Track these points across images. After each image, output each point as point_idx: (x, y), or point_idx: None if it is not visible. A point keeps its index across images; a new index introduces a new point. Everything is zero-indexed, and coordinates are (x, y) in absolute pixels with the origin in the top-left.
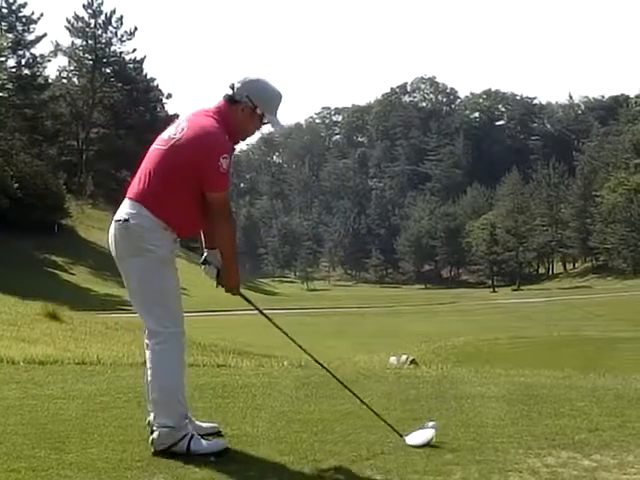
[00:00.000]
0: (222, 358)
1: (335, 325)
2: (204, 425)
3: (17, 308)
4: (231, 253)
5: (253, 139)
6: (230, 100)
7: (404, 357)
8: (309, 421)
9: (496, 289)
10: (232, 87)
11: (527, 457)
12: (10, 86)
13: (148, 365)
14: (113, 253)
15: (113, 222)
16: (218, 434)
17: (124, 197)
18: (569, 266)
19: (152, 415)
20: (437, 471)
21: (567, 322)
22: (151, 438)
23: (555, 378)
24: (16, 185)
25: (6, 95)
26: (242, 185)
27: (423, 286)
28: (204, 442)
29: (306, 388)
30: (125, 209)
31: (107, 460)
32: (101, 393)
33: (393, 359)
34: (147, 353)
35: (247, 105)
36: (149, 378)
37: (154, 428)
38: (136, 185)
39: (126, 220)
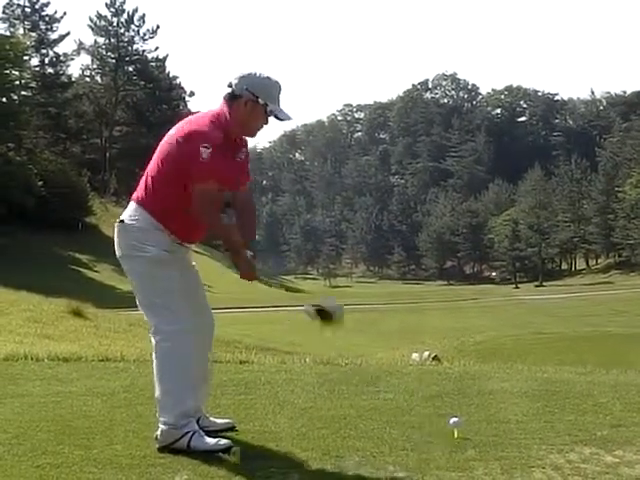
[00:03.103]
0: (245, 355)
1: (357, 322)
2: (218, 421)
3: (41, 305)
4: (232, 245)
5: (275, 136)
6: (231, 97)
7: (426, 353)
8: (331, 417)
9: (519, 285)
10: (230, 85)
11: (550, 453)
12: (34, 85)
13: (153, 362)
14: (116, 253)
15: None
16: (232, 429)
17: None
18: (592, 262)
19: None
20: (459, 467)
21: (590, 318)
22: (155, 434)
23: (577, 374)
24: (40, 183)
25: (30, 94)
26: (264, 182)
27: (445, 282)
28: (206, 439)
29: (328, 385)
30: (126, 210)
31: (131, 456)
32: (125, 390)
33: (415, 355)
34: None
35: (249, 98)
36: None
37: (158, 425)
38: (137, 187)
39: (121, 221)
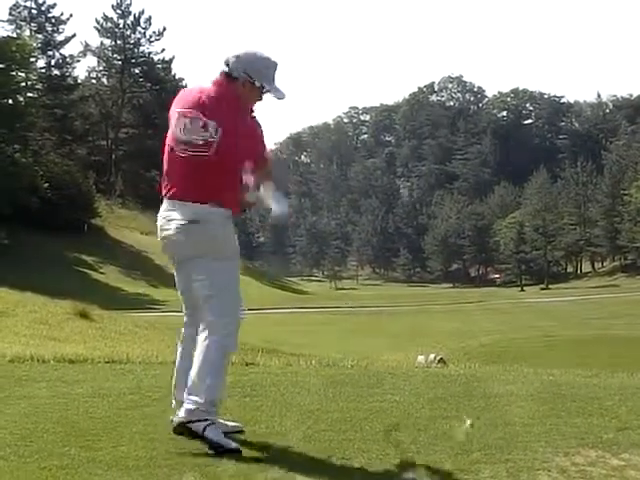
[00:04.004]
0: (251, 357)
1: (363, 324)
2: (229, 424)
3: (47, 307)
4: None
5: (281, 138)
6: (228, 77)
7: (432, 356)
8: (337, 419)
9: (524, 288)
10: (227, 63)
11: (555, 456)
12: (40, 86)
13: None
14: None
15: None
16: (240, 432)
17: (154, 196)
18: (597, 265)
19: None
20: (465, 470)
21: (595, 321)
22: (173, 417)
23: (583, 377)
24: (46, 185)
25: (36, 95)
26: None
27: (451, 285)
28: (221, 434)
29: (334, 386)
30: (200, 209)
31: (137, 458)
32: (131, 391)
33: (421, 358)
34: None
35: (246, 80)
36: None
37: (184, 403)
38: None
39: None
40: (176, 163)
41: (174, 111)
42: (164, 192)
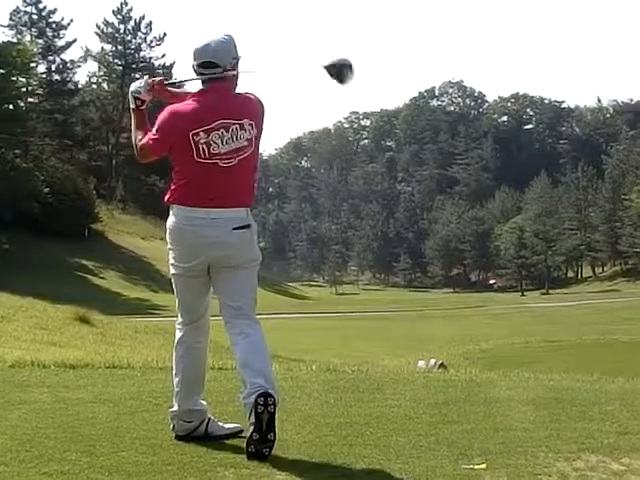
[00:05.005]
0: None
1: (363, 329)
2: (227, 426)
3: (48, 312)
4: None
5: (281, 143)
6: (221, 76)
7: (433, 361)
8: (338, 425)
9: (525, 293)
10: (214, 64)
11: (556, 461)
12: (40, 92)
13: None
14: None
15: None
16: (240, 434)
17: (154, 202)
18: (598, 270)
19: (177, 420)
20: (466, 475)
21: (596, 326)
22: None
23: (584, 382)
24: (47, 190)
25: (37, 100)
26: (270, 189)
27: (451, 290)
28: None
29: (335, 392)
30: (236, 214)
31: (138, 464)
32: (131, 397)
33: (422, 363)
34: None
35: (236, 63)
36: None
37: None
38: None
39: (248, 225)
40: (223, 175)
41: (194, 132)
42: (198, 202)
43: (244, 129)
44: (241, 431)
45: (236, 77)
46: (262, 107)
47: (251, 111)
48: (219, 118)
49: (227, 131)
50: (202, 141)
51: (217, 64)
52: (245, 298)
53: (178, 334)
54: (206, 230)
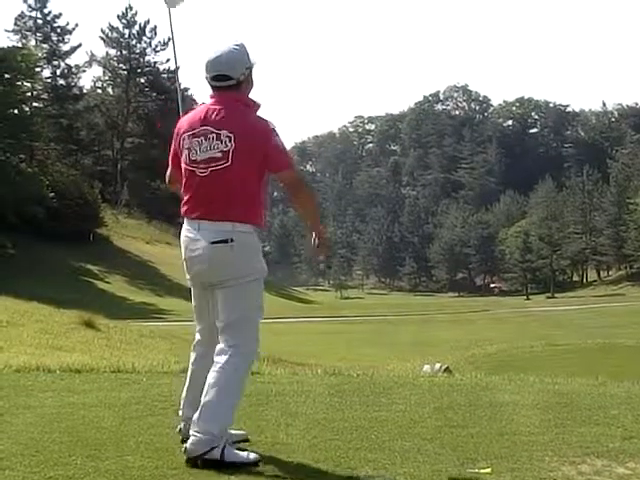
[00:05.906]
0: (256, 366)
1: (369, 333)
2: (234, 432)
3: (53, 317)
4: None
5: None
6: (237, 86)
7: (438, 365)
8: (343, 428)
9: (530, 297)
10: (227, 77)
11: (561, 465)
12: (45, 96)
13: (215, 374)
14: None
15: None
16: (245, 441)
17: (160, 206)
18: (603, 274)
19: (183, 424)
20: (471, 479)
21: (601, 330)
22: (186, 445)
23: (589, 386)
24: (52, 194)
25: (41, 105)
26: (275, 194)
27: (456, 294)
28: (238, 452)
29: (340, 395)
30: (221, 227)
31: (143, 468)
32: (137, 401)
33: (427, 367)
34: None
35: (249, 72)
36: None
37: (193, 433)
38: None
39: (231, 239)
40: (200, 185)
41: (184, 136)
42: (186, 213)
43: (220, 140)
44: (247, 439)
45: (249, 84)
46: (263, 131)
47: (238, 125)
48: (204, 124)
49: (206, 139)
50: (186, 146)
51: (230, 76)
52: (228, 319)
53: (195, 338)
54: (192, 243)
